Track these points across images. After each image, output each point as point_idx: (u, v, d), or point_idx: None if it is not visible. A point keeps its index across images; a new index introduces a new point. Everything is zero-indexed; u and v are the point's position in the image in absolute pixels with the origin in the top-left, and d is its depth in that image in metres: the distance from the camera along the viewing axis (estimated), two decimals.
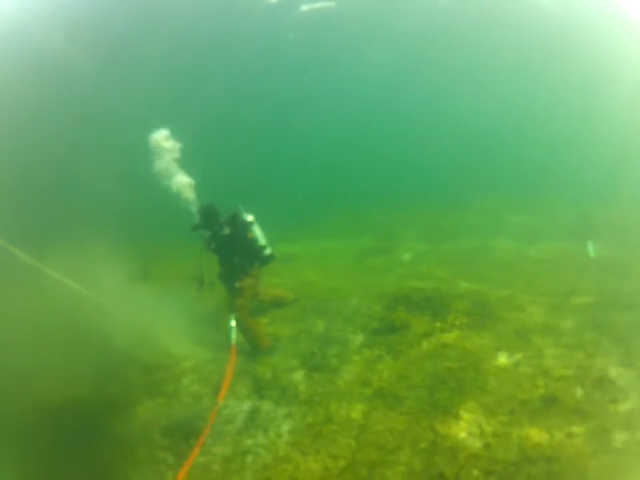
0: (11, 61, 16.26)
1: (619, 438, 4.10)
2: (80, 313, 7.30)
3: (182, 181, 6.35)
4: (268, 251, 6.64)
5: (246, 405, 5.44)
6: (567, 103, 25.45)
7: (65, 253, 7.88)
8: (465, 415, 4.71)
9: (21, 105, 16.13)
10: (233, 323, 6.32)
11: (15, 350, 6.33)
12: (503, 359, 5.63)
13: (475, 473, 3.97)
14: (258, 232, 6.57)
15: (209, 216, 6.34)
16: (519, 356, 5.62)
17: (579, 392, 4.77)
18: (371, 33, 26.04)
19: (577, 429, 4.26)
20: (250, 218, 6.55)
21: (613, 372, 4.98)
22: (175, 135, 6.55)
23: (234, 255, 6.40)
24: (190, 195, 6.40)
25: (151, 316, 7.12)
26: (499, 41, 25.61)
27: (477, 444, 4.31)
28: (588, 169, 16.36)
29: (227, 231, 6.30)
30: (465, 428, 4.53)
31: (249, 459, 4.62)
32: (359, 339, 6.61)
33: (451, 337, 6.22)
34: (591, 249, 9.06)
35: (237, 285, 6.38)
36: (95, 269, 7.73)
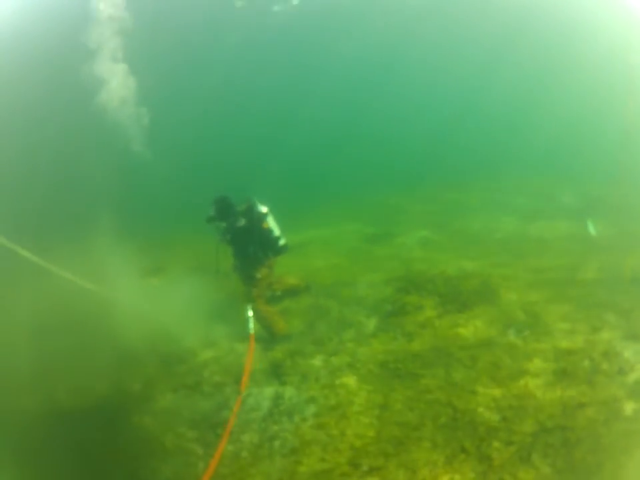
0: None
1: (629, 407, 4.33)
2: (95, 308, 7.44)
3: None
4: (282, 242, 6.80)
5: (268, 392, 5.55)
6: (570, 85, 25.43)
7: (75, 248, 7.97)
8: (480, 390, 4.91)
9: (18, 101, 16.04)
10: (250, 313, 6.46)
11: (31, 346, 6.35)
12: (512, 336, 5.86)
13: (496, 444, 4.19)
14: (272, 223, 6.71)
15: (223, 208, 6.48)
16: (527, 332, 5.85)
17: (587, 364, 5.01)
18: (365, 13, 25.82)
19: (588, 400, 4.49)
20: (264, 209, 6.67)
21: (619, 345, 5.23)
22: (175, 121, 6.53)
23: (249, 246, 6.54)
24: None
25: (166, 309, 7.26)
26: (496, 22, 25.47)
27: (495, 417, 4.51)
28: (593, 150, 16.53)
29: (242, 222, 6.44)
30: (482, 403, 4.72)
31: (277, 444, 4.70)
32: (373, 322, 6.79)
33: (461, 316, 6.44)
34: (591, 227, 9.28)
35: (258, 275, 6.54)
36: (107, 263, 7.84)
